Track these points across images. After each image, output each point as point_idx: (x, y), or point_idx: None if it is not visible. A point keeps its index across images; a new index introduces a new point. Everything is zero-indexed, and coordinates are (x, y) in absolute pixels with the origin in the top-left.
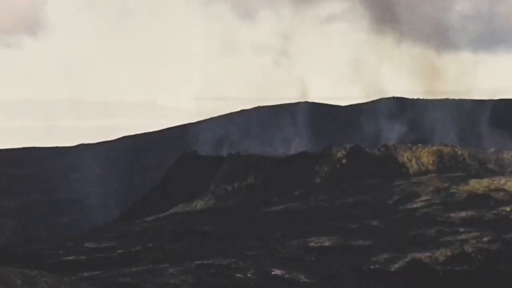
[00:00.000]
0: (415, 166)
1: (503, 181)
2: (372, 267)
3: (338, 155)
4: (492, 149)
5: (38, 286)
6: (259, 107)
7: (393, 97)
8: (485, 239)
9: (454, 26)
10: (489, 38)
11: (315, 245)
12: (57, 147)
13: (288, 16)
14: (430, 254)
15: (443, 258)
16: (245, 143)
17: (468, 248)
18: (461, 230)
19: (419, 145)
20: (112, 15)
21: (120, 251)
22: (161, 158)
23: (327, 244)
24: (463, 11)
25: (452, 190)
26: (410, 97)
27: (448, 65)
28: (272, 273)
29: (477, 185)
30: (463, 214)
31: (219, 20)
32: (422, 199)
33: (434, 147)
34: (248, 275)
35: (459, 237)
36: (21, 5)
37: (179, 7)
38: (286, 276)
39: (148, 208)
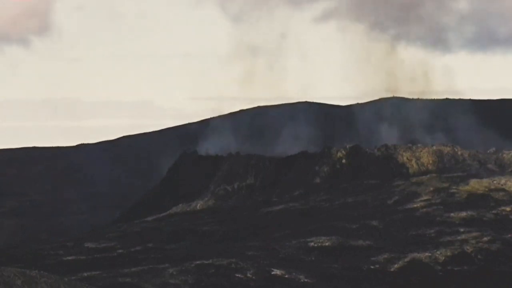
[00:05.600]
0: (415, 166)
1: (503, 181)
2: (372, 267)
3: (338, 155)
4: (492, 149)
5: (38, 286)
6: (259, 107)
7: (393, 97)
8: (485, 239)
9: (451, 27)
10: (486, 39)
11: (315, 245)
12: (57, 147)
13: (285, 16)
14: (430, 254)
15: (443, 258)
16: (245, 143)
17: (468, 248)
18: (461, 230)
19: (419, 145)
20: (112, 16)
21: (120, 251)
22: (161, 158)
23: (327, 244)
24: (460, 11)
25: (452, 190)
26: (410, 97)
27: (446, 66)
28: (272, 273)
29: (477, 185)
30: (463, 214)
31: (218, 20)
32: (422, 199)
33: (434, 147)
34: (248, 275)
35: (459, 237)
36: (22, 4)
37: (178, 8)
38: (286, 276)
39: (148, 208)
